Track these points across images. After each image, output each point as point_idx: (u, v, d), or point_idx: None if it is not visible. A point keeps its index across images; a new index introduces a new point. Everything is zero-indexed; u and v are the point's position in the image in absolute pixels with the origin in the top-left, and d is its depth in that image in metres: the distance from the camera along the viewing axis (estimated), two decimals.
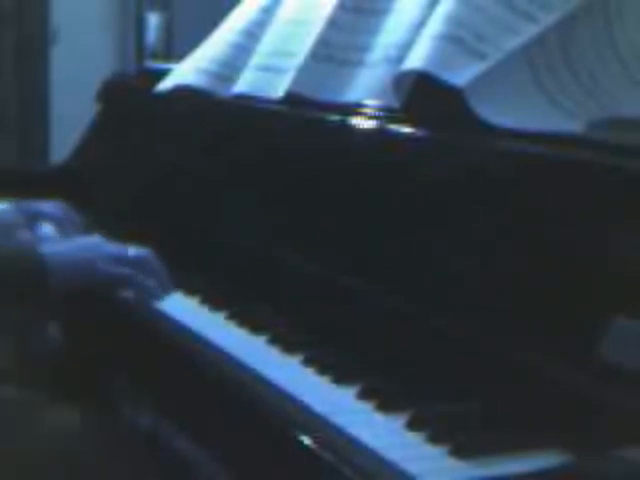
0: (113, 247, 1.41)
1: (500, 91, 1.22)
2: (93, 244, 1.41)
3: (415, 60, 1.26)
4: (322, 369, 1.12)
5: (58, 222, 1.74)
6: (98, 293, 1.40)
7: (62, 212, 1.75)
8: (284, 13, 1.69)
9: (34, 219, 1.70)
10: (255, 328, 1.27)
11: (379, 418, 1.01)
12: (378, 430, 0.98)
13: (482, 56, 1.23)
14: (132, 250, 1.42)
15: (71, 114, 2.68)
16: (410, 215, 1.27)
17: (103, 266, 1.38)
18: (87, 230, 1.75)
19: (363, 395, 1.05)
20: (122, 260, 1.40)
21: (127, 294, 1.39)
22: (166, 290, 1.40)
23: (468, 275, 1.16)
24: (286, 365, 1.16)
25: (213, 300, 1.39)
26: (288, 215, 1.49)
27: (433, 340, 1.12)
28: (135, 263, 1.40)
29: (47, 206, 1.75)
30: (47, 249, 1.37)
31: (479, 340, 1.08)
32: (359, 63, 1.47)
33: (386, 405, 1.02)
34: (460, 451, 0.92)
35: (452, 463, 0.91)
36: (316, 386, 1.09)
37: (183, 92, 1.79)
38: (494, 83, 1.22)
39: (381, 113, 1.39)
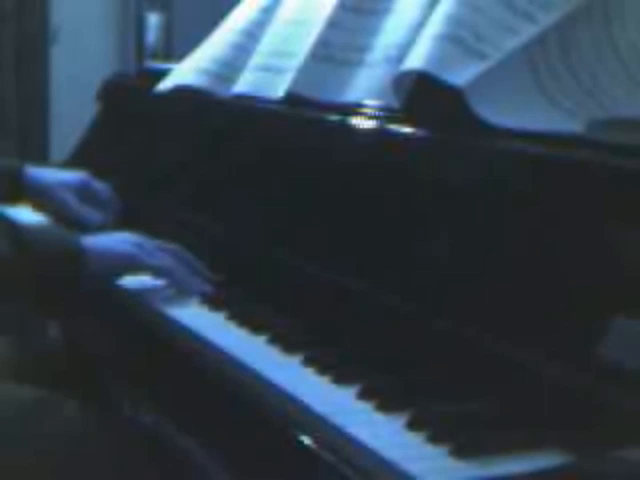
0: (149, 241, 1.44)
1: (500, 91, 1.22)
2: (131, 239, 1.43)
3: (415, 60, 1.26)
4: (322, 369, 1.12)
5: (103, 203, 1.79)
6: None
7: (109, 194, 1.80)
8: (284, 13, 1.69)
9: (86, 191, 1.79)
10: (255, 328, 1.27)
11: (379, 418, 1.01)
12: (378, 430, 0.98)
13: (482, 56, 1.23)
14: (165, 244, 1.45)
15: (71, 114, 2.69)
16: (410, 215, 1.27)
17: (143, 258, 1.40)
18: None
19: (363, 395, 1.05)
20: (160, 253, 1.42)
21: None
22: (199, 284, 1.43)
23: (468, 275, 1.16)
24: (286, 365, 1.16)
25: (213, 300, 1.39)
26: (288, 215, 1.48)
27: (433, 340, 1.12)
28: (173, 256, 1.43)
29: (100, 186, 1.82)
30: (87, 241, 1.39)
31: (479, 340, 1.08)
32: (359, 63, 1.47)
33: (386, 405, 1.02)
34: (460, 451, 0.92)
35: (452, 463, 0.91)
36: (316, 386, 1.09)
37: (183, 92, 1.79)
38: (494, 83, 1.22)
39: (381, 113, 1.39)
